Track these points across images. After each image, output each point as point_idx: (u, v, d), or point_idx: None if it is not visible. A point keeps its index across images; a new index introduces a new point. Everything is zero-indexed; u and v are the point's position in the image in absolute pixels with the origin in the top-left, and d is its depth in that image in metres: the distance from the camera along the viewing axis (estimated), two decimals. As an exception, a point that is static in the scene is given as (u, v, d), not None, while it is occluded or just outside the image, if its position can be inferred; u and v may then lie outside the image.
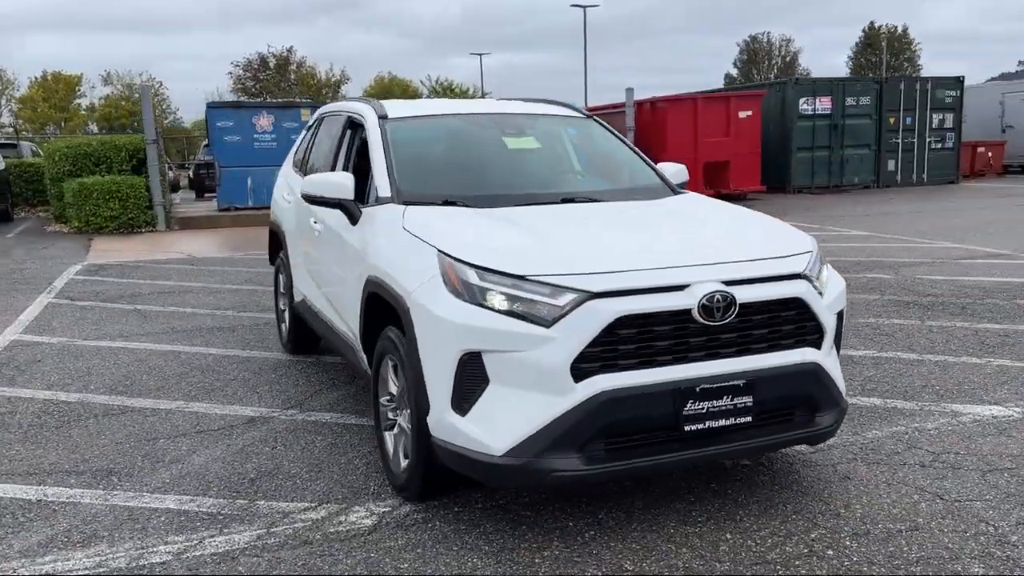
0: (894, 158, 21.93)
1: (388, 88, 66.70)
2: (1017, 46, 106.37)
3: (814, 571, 3.06)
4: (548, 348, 3.04)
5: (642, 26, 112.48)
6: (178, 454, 4.41)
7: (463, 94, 67.30)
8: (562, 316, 3.06)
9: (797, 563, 3.12)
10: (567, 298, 3.08)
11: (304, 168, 5.92)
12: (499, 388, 3.12)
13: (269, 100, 44.65)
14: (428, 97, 62.22)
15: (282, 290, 6.38)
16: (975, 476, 3.87)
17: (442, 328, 3.21)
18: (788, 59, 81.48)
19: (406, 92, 66.71)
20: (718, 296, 3.18)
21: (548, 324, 3.06)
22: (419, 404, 3.38)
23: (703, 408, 3.20)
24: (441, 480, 3.57)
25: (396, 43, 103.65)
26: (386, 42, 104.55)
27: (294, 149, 6.48)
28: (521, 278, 3.15)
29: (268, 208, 7.04)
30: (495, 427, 3.11)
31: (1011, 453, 4.12)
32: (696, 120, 18.75)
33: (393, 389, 3.82)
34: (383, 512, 3.64)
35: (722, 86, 40.28)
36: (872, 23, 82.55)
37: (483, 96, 54.68)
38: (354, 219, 4.31)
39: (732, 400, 3.25)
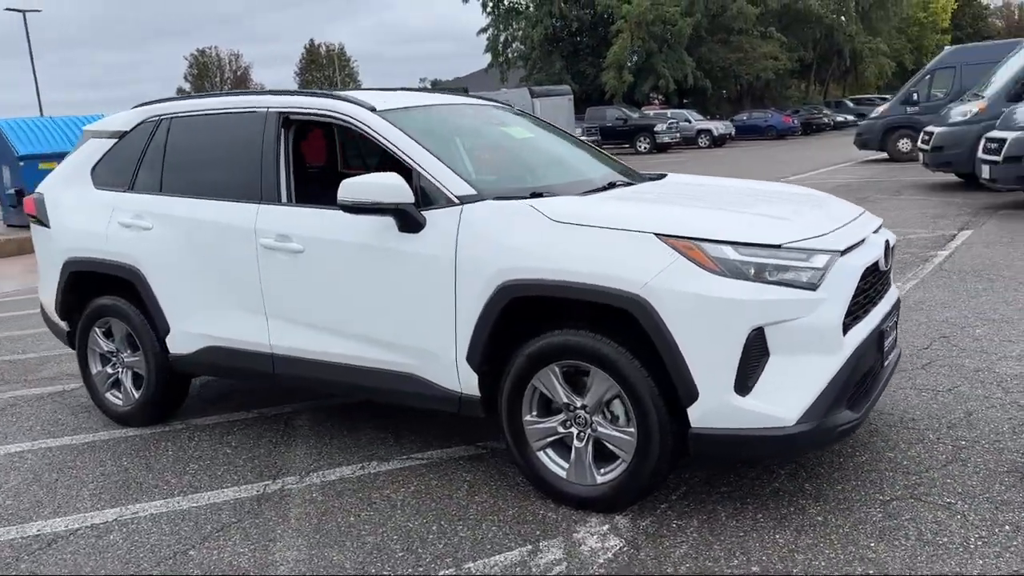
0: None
1: None
2: (415, 65, 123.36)
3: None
4: (822, 310, 3.17)
5: (80, 36, 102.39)
6: None
7: None
8: (823, 277, 3.20)
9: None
10: (823, 259, 3.22)
11: (157, 186, 4.68)
12: (779, 359, 3.14)
13: None
14: None
15: (115, 347, 4.92)
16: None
17: (724, 309, 3.09)
18: (239, 73, 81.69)
19: None
20: (891, 244, 3.64)
21: (815, 287, 3.17)
22: (678, 397, 3.19)
23: (885, 347, 3.63)
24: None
25: None
26: None
27: (91, 164, 5.01)
28: (778, 247, 3.19)
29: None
30: (783, 398, 3.12)
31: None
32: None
33: (565, 398, 3.45)
34: (590, 545, 3.31)
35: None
36: (312, 40, 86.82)
37: None
38: (416, 226, 3.69)
39: (891, 336, 3.74)
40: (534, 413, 3.56)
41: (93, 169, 4.98)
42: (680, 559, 3.07)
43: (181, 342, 4.56)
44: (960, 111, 14.26)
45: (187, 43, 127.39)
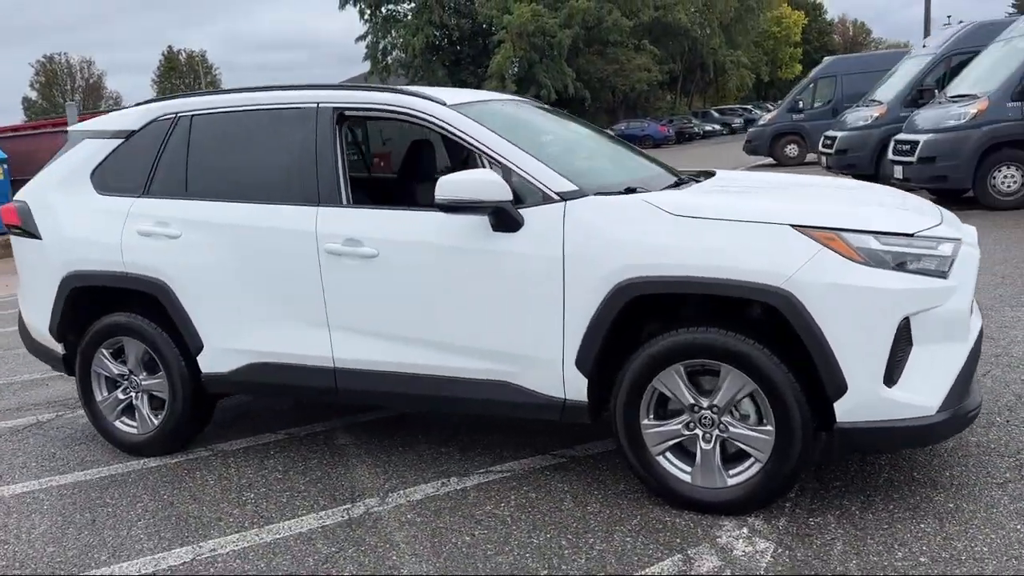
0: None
1: None
2: (273, 73, 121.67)
3: None
4: (956, 297, 3.20)
5: None
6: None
7: None
8: (952, 265, 3.24)
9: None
10: (949, 247, 3.26)
11: (181, 189, 4.27)
12: (920, 348, 3.15)
13: None
14: None
15: (126, 370, 4.45)
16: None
17: (875, 300, 3.07)
18: (92, 81, 77.28)
19: None
20: None
21: (945, 275, 3.21)
22: (825, 392, 3.14)
23: None
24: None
25: None
26: None
27: (89, 167, 4.52)
28: (911, 236, 3.21)
29: None
30: (925, 387, 3.14)
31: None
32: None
33: (691, 398, 3.35)
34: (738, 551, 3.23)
35: (22, 111, 36.28)
36: (171, 47, 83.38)
37: None
38: (514, 224, 3.51)
39: None
40: (651, 416, 3.43)
41: (93, 173, 4.49)
42: (841, 557, 3.01)
43: (218, 360, 4.17)
44: (861, 116, 15.09)
45: (30, 49, 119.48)
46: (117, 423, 4.52)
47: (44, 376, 6.30)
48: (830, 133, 15.73)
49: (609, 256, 3.34)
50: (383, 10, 46.70)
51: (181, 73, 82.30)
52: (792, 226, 3.18)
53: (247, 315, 4.07)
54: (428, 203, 4.58)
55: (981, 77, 11.82)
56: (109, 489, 4.08)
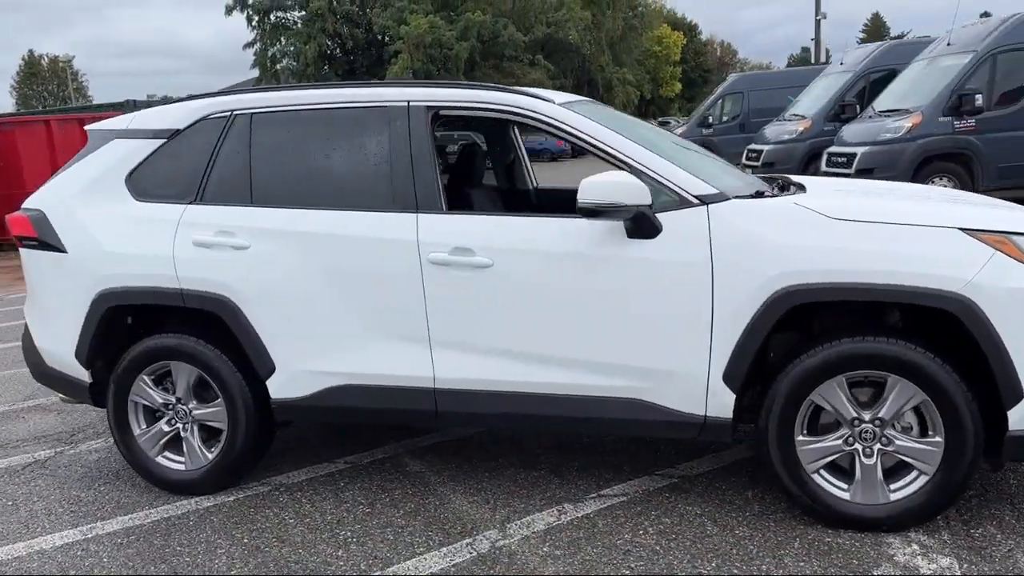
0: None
1: None
2: (138, 80, 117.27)
3: None
4: None
5: None
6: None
7: None
8: None
9: None
10: None
11: (245, 196, 3.83)
12: None
13: None
14: None
15: (173, 398, 3.95)
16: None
17: None
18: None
19: None
20: None
21: None
22: (998, 399, 3.06)
23: None
24: None
25: None
26: None
27: (124, 171, 4.01)
28: None
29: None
30: None
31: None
32: (53, 145, 15.89)
33: (853, 412, 3.21)
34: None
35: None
36: (32, 51, 78.74)
37: None
38: (653, 230, 3.29)
39: None
40: (805, 432, 3.27)
41: (129, 176, 3.98)
42: (1032, 569, 2.93)
43: (293, 384, 3.75)
44: (785, 130, 15.60)
45: None
46: (159, 459, 4.00)
47: (13, 407, 5.60)
48: (754, 146, 16.19)
49: (766, 263, 3.17)
50: (272, 17, 45.33)
51: (44, 79, 77.66)
52: (961, 229, 3.09)
53: (330, 333, 3.68)
54: (481, 207, 4.35)
55: (907, 93, 12.39)
56: (172, 535, 3.59)
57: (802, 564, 3.06)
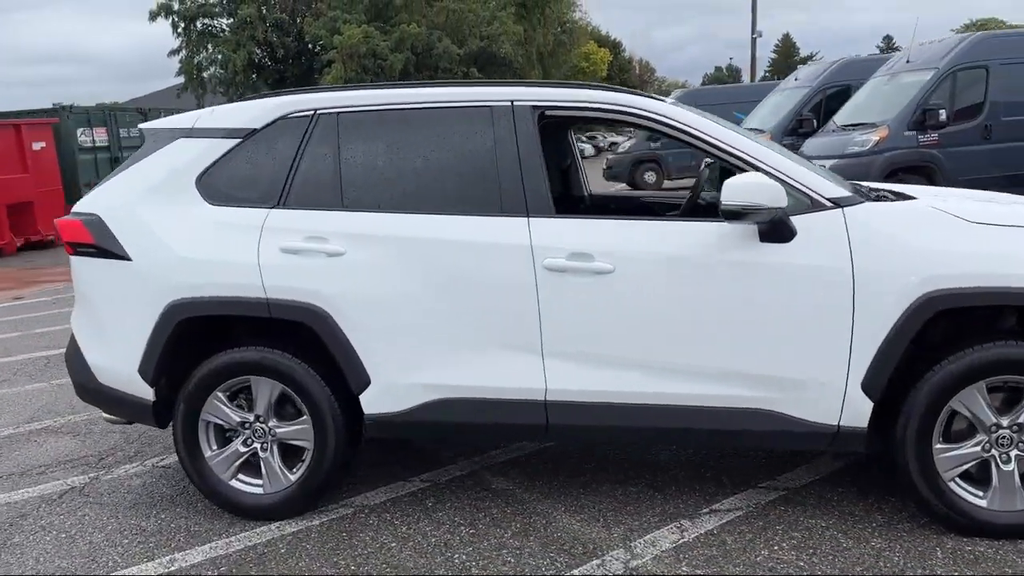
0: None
1: None
2: (35, 89, 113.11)
3: None
4: None
5: None
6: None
7: None
8: None
9: None
10: None
11: (335, 200, 3.60)
12: None
13: None
14: None
15: (251, 416, 3.68)
16: None
17: None
18: None
19: None
20: None
21: None
22: None
23: None
24: None
25: None
26: None
27: (194, 172, 3.73)
28: None
29: None
30: None
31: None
32: (-13, 151, 15.05)
33: (993, 418, 3.19)
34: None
35: None
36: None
37: None
38: (789, 233, 3.21)
39: None
40: (942, 440, 3.23)
41: (199, 179, 3.70)
42: None
43: (389, 398, 3.52)
44: (744, 144, 15.84)
45: None
46: (233, 482, 3.71)
47: (20, 430, 5.17)
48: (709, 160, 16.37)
49: (910, 267, 3.11)
50: (198, 24, 44.09)
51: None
52: None
53: (432, 343, 3.47)
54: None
55: (869, 108, 12.74)
56: (268, 564, 3.32)
57: (955, 574, 2.99)
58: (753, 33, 28.15)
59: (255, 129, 3.69)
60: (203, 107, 3.96)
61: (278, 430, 3.65)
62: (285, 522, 3.66)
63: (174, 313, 3.57)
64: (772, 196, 3.11)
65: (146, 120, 3.93)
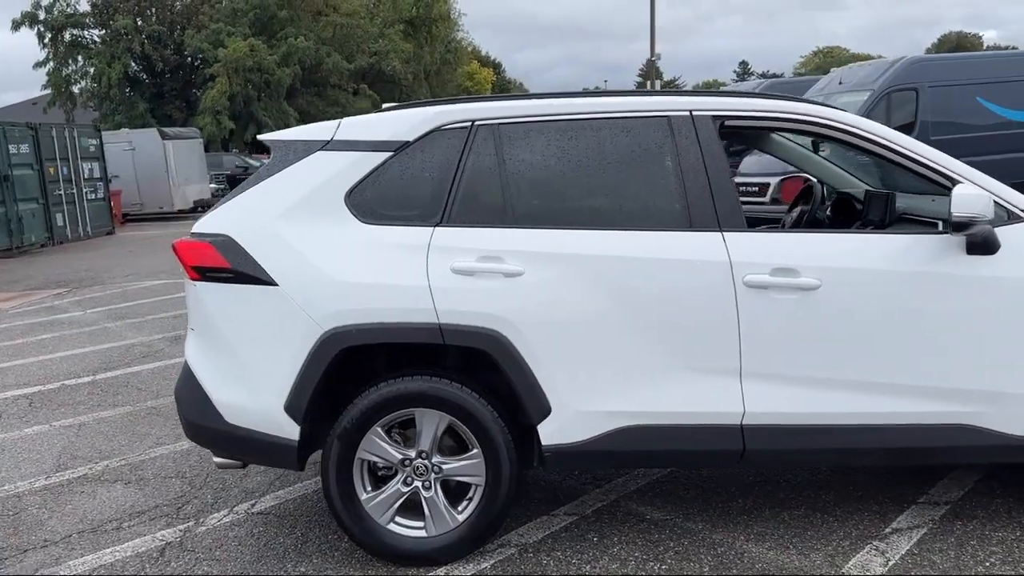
0: (61, 211, 19.90)
1: None
2: None
3: None
4: None
5: None
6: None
7: None
8: None
9: None
10: None
11: (502, 215, 3.36)
12: None
13: None
14: None
15: (412, 453, 3.37)
16: None
17: None
18: None
19: None
20: None
21: None
22: None
23: None
24: None
25: None
26: None
27: (343, 188, 3.41)
28: None
29: None
30: None
31: None
32: None
33: None
34: None
35: None
36: None
37: None
38: (994, 246, 3.22)
39: None
40: None
41: (349, 195, 3.38)
42: None
43: (572, 428, 3.29)
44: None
45: None
46: (391, 526, 3.39)
47: (55, 481, 4.59)
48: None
49: None
50: (67, 35, 41.48)
51: None
52: None
53: (618, 368, 3.27)
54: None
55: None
56: (467, 616, 3.02)
57: None
58: (652, 55, 29.00)
59: (407, 142, 3.40)
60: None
61: (444, 466, 3.35)
62: (450, 567, 3.35)
63: (333, 343, 3.23)
64: (986, 208, 3.10)
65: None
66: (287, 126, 41.57)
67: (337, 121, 3.52)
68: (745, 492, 3.96)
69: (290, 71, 41.10)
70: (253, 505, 4.07)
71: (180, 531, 3.84)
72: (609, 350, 3.25)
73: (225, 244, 3.33)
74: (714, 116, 3.40)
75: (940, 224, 3.65)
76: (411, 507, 3.41)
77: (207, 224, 3.43)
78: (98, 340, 8.20)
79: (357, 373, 3.40)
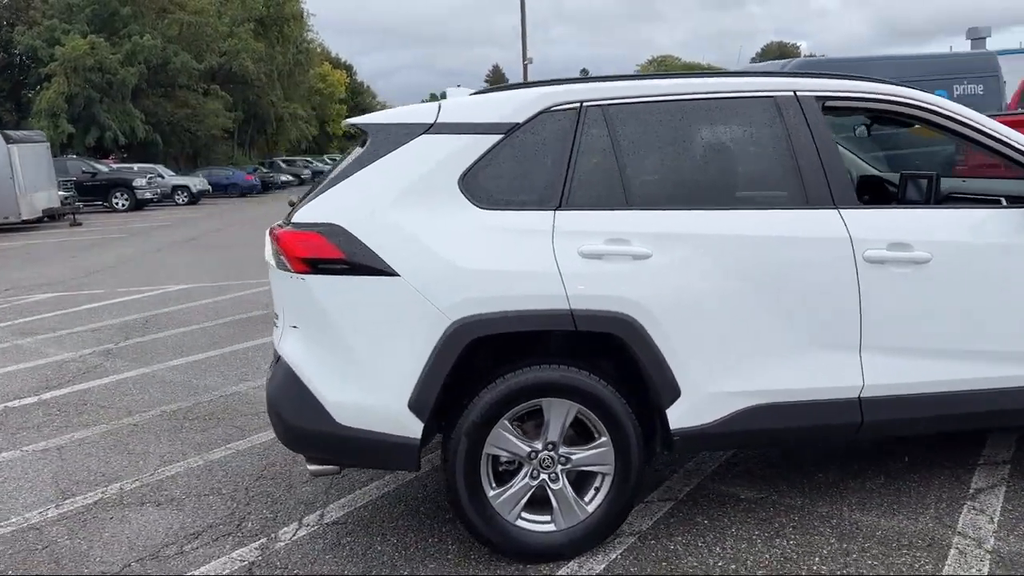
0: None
1: None
2: None
3: None
4: None
5: None
6: None
7: None
8: None
9: None
10: None
11: (619, 198, 3.31)
12: None
13: None
14: None
15: (539, 445, 3.25)
16: None
17: None
18: None
19: None
20: None
21: None
22: None
23: None
24: None
25: None
26: None
27: (455, 173, 3.26)
28: None
29: None
30: None
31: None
32: None
33: None
34: None
35: None
36: None
37: None
38: (1083, 221, 3.47)
39: None
40: None
41: (463, 179, 3.23)
42: None
43: (699, 410, 3.28)
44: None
45: None
46: (519, 522, 3.26)
47: (73, 507, 4.13)
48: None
49: None
50: None
51: None
52: None
53: (745, 348, 3.29)
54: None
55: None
56: (631, 607, 2.95)
57: None
58: (524, 59, 29.34)
59: (517, 123, 3.28)
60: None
61: (573, 456, 3.25)
62: (577, 562, 3.26)
63: (463, 333, 3.07)
64: None
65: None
66: (133, 129, 39.33)
67: (436, 103, 3.34)
68: (821, 466, 4.06)
69: (135, 71, 38.85)
70: (321, 516, 3.80)
71: (257, 549, 3.53)
72: (737, 329, 3.25)
73: (336, 233, 3.10)
74: (817, 96, 3.47)
75: (1003, 200, 3.87)
76: (534, 501, 3.28)
77: (309, 214, 3.18)
78: (18, 359, 7.42)
79: (469, 366, 3.23)
